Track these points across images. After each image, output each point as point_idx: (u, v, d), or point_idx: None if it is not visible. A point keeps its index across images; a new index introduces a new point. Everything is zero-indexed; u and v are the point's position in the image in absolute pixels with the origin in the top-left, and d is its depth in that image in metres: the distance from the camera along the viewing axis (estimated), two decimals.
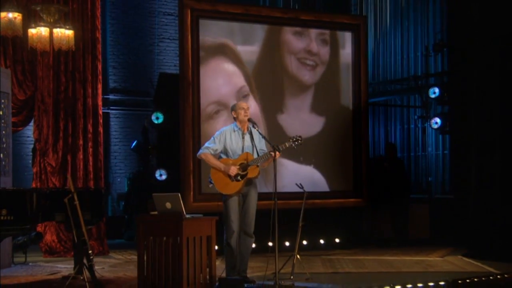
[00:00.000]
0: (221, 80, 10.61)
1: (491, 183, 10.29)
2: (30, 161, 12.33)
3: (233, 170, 7.18)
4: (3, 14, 7.62)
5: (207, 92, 10.45)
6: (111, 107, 13.81)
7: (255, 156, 7.27)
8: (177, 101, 10.81)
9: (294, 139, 7.37)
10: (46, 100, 10.36)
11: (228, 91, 10.63)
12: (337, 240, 10.98)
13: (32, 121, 10.54)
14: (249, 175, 7.23)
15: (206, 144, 7.47)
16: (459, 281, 7.21)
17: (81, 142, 10.59)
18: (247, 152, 7.28)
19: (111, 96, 13.77)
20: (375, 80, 14.60)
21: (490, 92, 10.46)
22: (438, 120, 12.35)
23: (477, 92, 10.77)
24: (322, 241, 10.70)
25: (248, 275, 7.49)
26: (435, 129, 12.61)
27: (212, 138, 7.49)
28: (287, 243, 9.88)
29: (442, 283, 7.14)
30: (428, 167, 13.45)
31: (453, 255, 10.12)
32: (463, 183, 11.33)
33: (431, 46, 13.26)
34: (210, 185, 7.41)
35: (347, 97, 11.54)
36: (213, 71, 10.54)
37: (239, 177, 7.18)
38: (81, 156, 10.58)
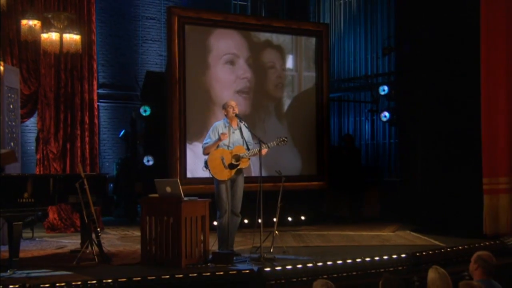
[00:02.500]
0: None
1: (435, 168, 10.35)
2: (30, 148, 12.40)
3: (225, 136, 7.34)
4: (24, 21, 7.67)
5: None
6: (100, 100, 13.75)
7: (246, 149, 7.46)
8: (162, 96, 10.98)
9: (281, 139, 7.57)
10: (48, 94, 10.36)
11: None
12: (302, 218, 11.08)
13: (36, 113, 10.54)
14: (241, 166, 7.42)
15: (204, 141, 7.60)
16: (417, 254, 7.31)
17: (78, 132, 10.61)
18: (240, 145, 7.47)
19: (100, 91, 13.70)
20: (330, 78, 14.75)
21: (434, 89, 10.53)
22: (387, 113, 12.50)
23: (423, 90, 10.90)
24: (290, 219, 10.78)
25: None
26: (384, 121, 12.74)
27: (207, 134, 7.62)
28: (259, 221, 10.02)
29: (403, 255, 7.21)
30: (378, 154, 13.65)
31: (402, 230, 10.27)
32: (409, 168, 11.48)
33: (380, 49, 13.40)
34: (204, 170, 7.55)
35: (312, 94, 11.81)
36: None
37: (234, 164, 7.37)
38: (79, 144, 10.60)
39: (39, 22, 7.77)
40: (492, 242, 8.29)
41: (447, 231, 9.44)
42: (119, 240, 9.34)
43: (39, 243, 9.05)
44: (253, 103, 11.12)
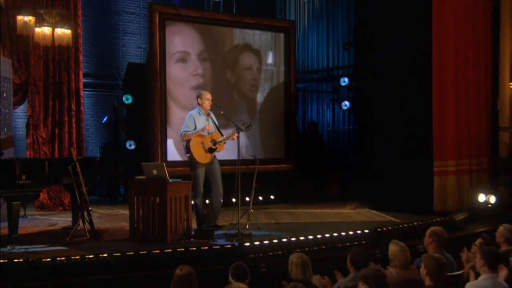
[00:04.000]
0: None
1: (391, 152, 10.38)
2: (19, 133, 12.25)
3: (209, 127, 7.45)
4: (20, 17, 7.60)
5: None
6: (84, 89, 13.59)
7: (221, 135, 7.58)
8: (143, 86, 10.98)
9: (246, 125, 7.67)
10: (38, 84, 10.29)
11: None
12: (272, 197, 11.20)
13: (26, 101, 10.45)
14: (218, 149, 7.54)
15: (182, 129, 7.66)
16: (378, 229, 7.41)
17: (66, 118, 10.58)
18: (215, 132, 7.56)
19: (84, 80, 13.53)
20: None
21: (390, 81, 10.52)
22: (347, 102, 12.67)
23: (379, 81, 10.91)
24: (260, 198, 10.86)
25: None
26: (345, 110, 12.90)
27: (184, 123, 7.66)
28: (233, 200, 10.10)
29: (366, 231, 7.31)
30: (339, 139, 13.73)
31: (361, 208, 10.39)
32: (367, 151, 11.50)
33: (341, 44, 13.49)
34: (187, 155, 7.63)
35: (281, 85, 11.92)
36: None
37: (212, 148, 7.47)
38: (66, 130, 10.58)
39: (34, 18, 7.71)
40: (442, 218, 8.47)
41: (401, 208, 9.56)
42: (106, 218, 9.31)
43: (32, 221, 9.02)
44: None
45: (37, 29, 7.81)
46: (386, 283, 4.38)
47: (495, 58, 10.18)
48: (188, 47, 10.92)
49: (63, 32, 7.92)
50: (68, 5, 10.36)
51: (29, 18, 7.56)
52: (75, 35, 10.45)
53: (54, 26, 7.92)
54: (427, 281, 4.72)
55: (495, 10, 10.16)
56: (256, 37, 11.66)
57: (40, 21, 8.00)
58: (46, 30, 7.82)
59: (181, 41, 10.86)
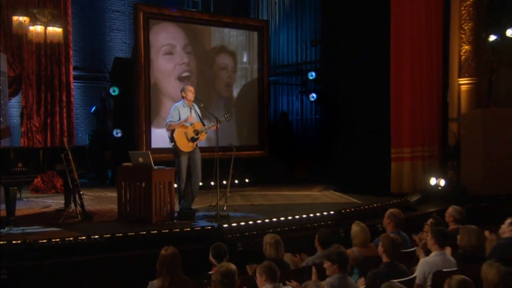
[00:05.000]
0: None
1: (353, 139, 10.42)
2: (13, 121, 12.05)
3: (191, 119, 7.44)
4: (15, 18, 7.47)
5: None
6: (74, 81, 13.43)
7: (203, 125, 7.56)
8: (129, 79, 10.87)
9: (226, 117, 7.72)
10: (31, 77, 10.15)
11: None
12: (246, 180, 11.20)
13: (20, 92, 10.31)
14: (200, 139, 7.54)
15: (168, 120, 7.59)
16: (342, 211, 7.50)
17: (57, 109, 10.46)
18: (197, 122, 7.55)
19: (74, 72, 13.38)
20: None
21: (352, 75, 10.52)
22: (314, 94, 12.71)
23: (343, 75, 10.91)
24: (236, 181, 10.70)
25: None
26: (312, 101, 12.92)
27: (169, 114, 7.60)
28: (212, 183, 10.09)
29: (332, 212, 7.39)
30: (306, 128, 13.75)
31: (327, 190, 10.45)
32: (332, 138, 11.53)
33: (308, 41, 13.45)
34: (172, 144, 7.60)
35: (255, 79, 11.93)
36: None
37: (194, 137, 7.48)
38: (58, 119, 10.46)
39: (28, 18, 7.58)
40: (398, 200, 8.63)
41: (362, 190, 9.65)
42: (96, 200, 9.24)
43: (27, 203, 8.93)
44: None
45: (31, 28, 7.69)
46: (347, 259, 4.49)
47: (445, 56, 10.29)
48: (174, 40, 10.87)
49: (55, 30, 7.82)
50: (59, 5, 10.19)
51: (24, 19, 7.46)
52: (65, 32, 10.28)
53: (46, 25, 7.81)
54: (384, 258, 4.84)
55: (445, 13, 10.27)
56: (233, 38, 11.65)
57: (33, 20, 7.86)
58: (39, 28, 7.72)
59: (168, 36, 10.81)
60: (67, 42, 10.50)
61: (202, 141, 7.91)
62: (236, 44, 11.74)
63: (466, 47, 10.07)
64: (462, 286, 3.68)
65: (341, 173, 10.80)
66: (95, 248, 5.61)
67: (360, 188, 9.83)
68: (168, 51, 10.81)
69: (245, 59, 11.88)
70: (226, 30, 11.61)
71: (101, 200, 9.25)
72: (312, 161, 12.53)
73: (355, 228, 5.62)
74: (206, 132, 7.60)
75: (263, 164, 12.01)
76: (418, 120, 9.89)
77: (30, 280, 5.14)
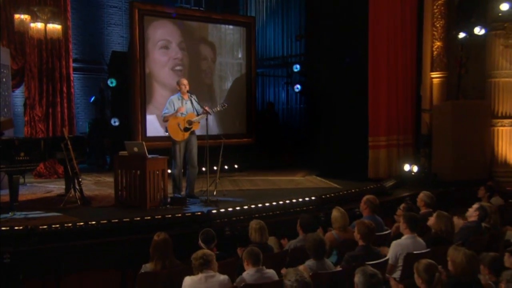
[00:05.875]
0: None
1: (335, 128, 10.40)
2: (17, 110, 11.90)
3: (182, 109, 7.36)
4: (17, 16, 7.30)
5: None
6: (74, 72, 13.24)
7: (196, 115, 7.51)
8: (125, 71, 10.74)
9: (222, 105, 7.65)
10: (33, 69, 9.98)
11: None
12: (236, 166, 11.11)
13: (23, 84, 10.15)
14: (193, 128, 7.47)
15: (163, 111, 7.54)
16: (323, 196, 7.46)
17: (58, 99, 10.30)
18: (191, 113, 7.48)
19: (74, 65, 13.15)
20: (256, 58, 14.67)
21: (334, 67, 10.53)
22: (298, 86, 12.64)
23: (325, 68, 10.87)
24: (226, 167, 10.71)
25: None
26: (297, 92, 12.85)
27: (165, 106, 7.54)
28: (203, 169, 10.03)
29: (313, 197, 7.34)
30: (291, 117, 13.74)
31: (310, 175, 10.35)
32: (315, 127, 11.46)
33: (294, 36, 13.37)
34: (166, 134, 7.54)
35: (244, 70, 11.83)
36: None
37: (187, 127, 7.41)
38: (59, 109, 10.31)
39: (29, 16, 7.42)
40: (375, 185, 8.61)
41: (342, 175, 9.63)
42: (95, 185, 9.16)
43: (30, 188, 8.83)
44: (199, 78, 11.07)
45: (32, 25, 7.52)
46: (324, 244, 4.55)
47: (419, 52, 10.26)
48: (170, 37, 10.75)
49: (54, 27, 7.65)
50: (59, 2, 10.02)
51: (25, 17, 7.28)
52: (65, 27, 10.13)
53: (46, 22, 7.63)
54: (360, 242, 4.86)
55: (419, 11, 10.22)
56: (229, 36, 11.55)
57: (34, 18, 7.70)
58: (39, 25, 7.54)
59: (165, 32, 10.69)
60: (67, 37, 10.33)
61: (198, 130, 7.77)
62: (233, 41, 11.63)
63: (438, 43, 10.06)
64: (429, 269, 3.72)
65: (323, 160, 10.78)
66: (92, 233, 5.56)
67: (340, 173, 9.79)
68: (164, 45, 10.70)
69: (236, 54, 11.77)
70: (222, 28, 11.51)
71: (100, 185, 9.16)
72: (297, 148, 12.47)
73: (335, 213, 5.62)
74: (199, 122, 7.52)
75: (251, 151, 11.93)
76: (394, 110, 9.88)
77: (32, 263, 5.10)
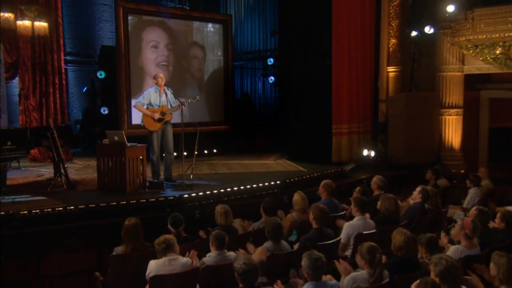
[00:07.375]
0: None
1: (303, 115, 10.23)
2: (14, 99, 11.48)
3: (156, 115, 7.14)
4: (2, 14, 6.89)
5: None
6: (68, 64, 12.85)
7: (169, 107, 7.25)
8: (114, 65, 10.38)
9: (193, 98, 7.40)
10: (27, 62, 9.55)
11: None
12: (214, 151, 10.89)
13: (18, 76, 9.73)
14: (166, 119, 7.23)
15: (138, 99, 7.31)
16: (287, 180, 7.30)
17: (51, 90, 9.89)
18: (164, 105, 7.22)
19: (68, 57, 12.78)
20: (234, 51, 14.34)
21: (303, 61, 10.31)
22: (272, 77, 12.41)
23: (296, 61, 10.61)
24: (205, 151, 10.58)
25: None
26: (271, 83, 12.61)
27: (142, 96, 7.31)
28: (185, 153, 9.80)
29: (278, 182, 7.18)
30: (266, 105, 13.53)
31: (281, 159, 10.23)
32: (286, 114, 11.27)
33: (269, 31, 13.09)
34: (142, 124, 7.31)
35: (222, 63, 11.54)
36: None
37: (160, 118, 7.17)
38: (52, 100, 9.92)
39: (13, 14, 7.01)
40: (336, 169, 8.49)
41: (309, 159, 9.55)
42: (83, 170, 8.85)
43: (24, 172, 8.51)
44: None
45: (19, 22, 7.13)
46: (281, 228, 4.48)
47: (376, 48, 10.14)
48: (159, 39, 10.48)
49: (41, 24, 7.30)
50: (49, 0, 9.58)
51: (9, 15, 6.88)
52: (56, 24, 9.78)
53: (33, 20, 7.24)
54: (314, 225, 4.76)
55: (377, 11, 10.06)
56: (210, 35, 11.27)
57: (21, 16, 7.30)
58: (26, 23, 7.15)
59: (155, 35, 10.42)
60: (58, 32, 9.89)
61: (174, 118, 7.47)
62: (210, 42, 11.35)
63: (393, 40, 9.95)
64: (370, 250, 3.66)
65: (293, 145, 10.64)
66: (71, 217, 5.33)
67: (307, 157, 9.69)
68: (154, 45, 10.42)
69: (216, 52, 11.50)
70: (204, 30, 11.24)
71: (88, 168, 8.86)
72: (271, 133, 12.24)
73: (296, 197, 5.51)
74: (171, 113, 7.27)
75: (229, 136, 11.72)
76: (354, 101, 9.75)
77: (13, 246, 4.85)
